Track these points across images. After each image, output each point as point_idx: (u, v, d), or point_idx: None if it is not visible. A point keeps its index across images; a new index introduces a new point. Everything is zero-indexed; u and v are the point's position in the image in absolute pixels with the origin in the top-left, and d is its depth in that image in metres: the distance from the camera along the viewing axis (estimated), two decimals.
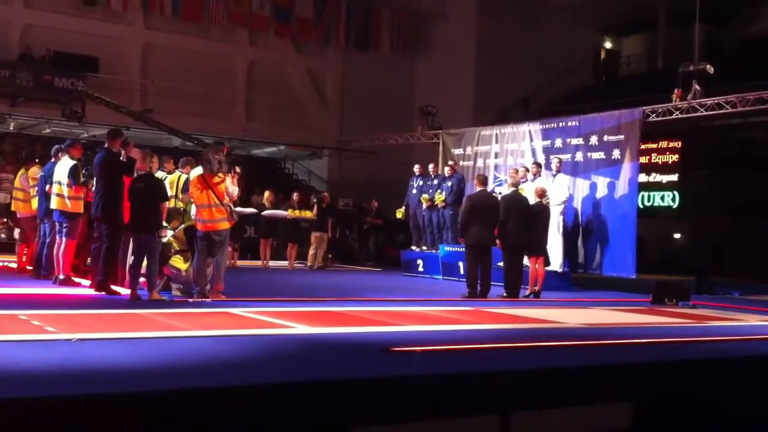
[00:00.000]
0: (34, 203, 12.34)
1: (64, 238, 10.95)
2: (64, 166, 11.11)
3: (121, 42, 24.88)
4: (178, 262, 10.29)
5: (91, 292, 10.11)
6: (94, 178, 10.67)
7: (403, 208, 17.73)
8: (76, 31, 23.70)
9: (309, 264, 18.01)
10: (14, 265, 13.62)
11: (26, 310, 7.73)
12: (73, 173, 10.94)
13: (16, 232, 14.29)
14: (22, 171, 13.25)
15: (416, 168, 17.76)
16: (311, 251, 18.03)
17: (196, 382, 4.91)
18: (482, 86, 26.94)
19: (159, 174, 10.87)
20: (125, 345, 6.19)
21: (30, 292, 10.05)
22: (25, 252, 13.38)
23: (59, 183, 11.00)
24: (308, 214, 17.86)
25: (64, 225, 10.97)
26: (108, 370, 5.12)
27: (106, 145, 10.47)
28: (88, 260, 11.33)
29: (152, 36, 25.44)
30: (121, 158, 10.33)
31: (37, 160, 13.53)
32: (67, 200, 10.93)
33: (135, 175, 10.35)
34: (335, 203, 20.80)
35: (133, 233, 9.91)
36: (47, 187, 11.46)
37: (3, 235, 18.92)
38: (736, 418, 6.44)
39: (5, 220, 18.30)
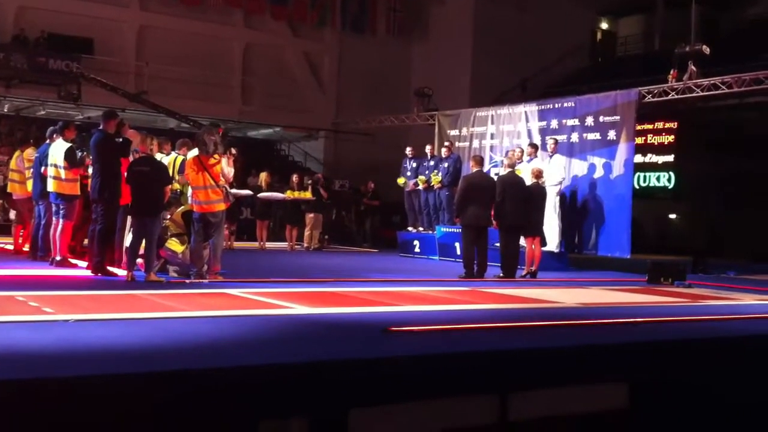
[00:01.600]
0: (30, 185, 12.33)
1: (60, 220, 10.95)
2: (58, 148, 11.09)
3: (116, 24, 24.74)
4: (174, 244, 10.29)
5: (88, 273, 10.11)
6: (91, 159, 10.66)
7: (404, 178, 17.54)
8: (71, 13, 23.55)
9: (305, 245, 18.03)
10: (11, 247, 13.61)
11: (23, 291, 7.74)
12: (69, 155, 10.92)
13: (12, 214, 14.27)
14: (17, 153, 13.22)
15: (408, 150, 17.76)
16: (306, 232, 18.06)
17: (195, 362, 4.92)
18: (479, 69, 26.86)
19: (157, 156, 10.85)
20: (123, 326, 6.20)
21: (27, 273, 10.05)
22: (21, 233, 13.38)
23: (55, 165, 10.99)
24: (308, 195, 17.88)
25: (61, 207, 10.97)
26: (106, 351, 5.12)
27: (101, 127, 10.44)
28: (85, 241, 11.34)
29: (148, 18, 25.29)
30: (117, 139, 10.31)
31: (31, 142, 13.47)
32: (63, 182, 10.92)
33: (131, 156, 10.33)
34: (331, 184, 20.79)
35: (134, 215, 9.89)
36: (42, 168, 11.45)
37: None
38: (731, 397, 6.48)
39: (1, 201, 18.25)
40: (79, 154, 11.10)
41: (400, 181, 17.60)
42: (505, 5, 26.78)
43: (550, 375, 5.72)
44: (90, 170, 11.24)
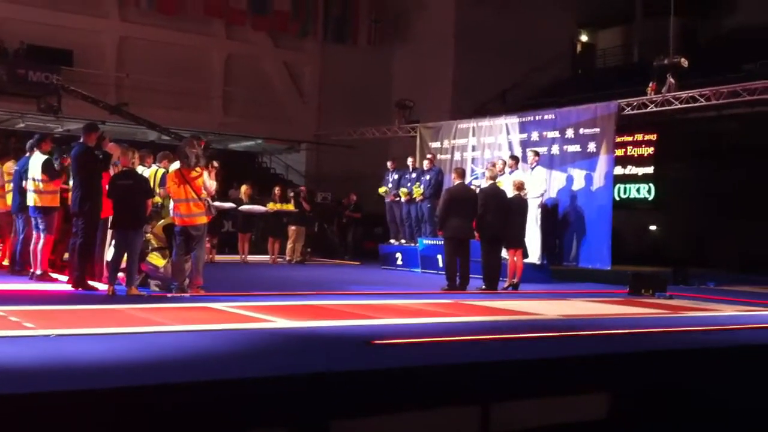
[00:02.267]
0: (10, 198, 12.24)
1: (41, 234, 10.89)
2: (36, 161, 11.04)
3: (96, 35, 24.61)
4: (155, 258, 10.24)
5: (69, 287, 10.04)
6: (71, 172, 10.61)
7: (385, 187, 17.51)
8: (50, 24, 23.39)
9: (288, 258, 18.00)
10: None
11: (4, 306, 7.68)
12: (46, 167, 10.88)
13: None
14: None
15: (389, 163, 17.76)
16: (289, 245, 18.03)
17: (176, 376, 4.92)
18: (460, 79, 26.97)
19: (138, 169, 10.81)
20: (104, 340, 6.17)
21: (7, 288, 9.96)
22: (0, 248, 13.25)
23: (33, 179, 10.95)
24: (290, 207, 17.88)
25: (40, 220, 10.91)
26: (87, 365, 5.11)
27: (81, 140, 10.40)
28: (66, 255, 11.26)
29: (128, 29, 25.18)
30: (97, 153, 10.28)
31: (11, 155, 13.37)
32: (42, 195, 10.87)
33: (112, 169, 10.30)
34: (313, 196, 20.78)
35: (117, 229, 9.83)
36: (23, 182, 11.39)
37: None
38: (711, 407, 6.53)
39: None
40: (57, 162, 11.06)
41: (382, 190, 17.59)
42: (486, 17, 26.91)
43: (532, 386, 5.75)
44: (71, 183, 11.21)
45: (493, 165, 14.11)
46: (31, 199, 10.97)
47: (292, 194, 18.32)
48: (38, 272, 10.82)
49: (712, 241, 20.26)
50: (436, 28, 27.94)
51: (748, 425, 6.67)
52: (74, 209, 10.17)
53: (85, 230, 10.06)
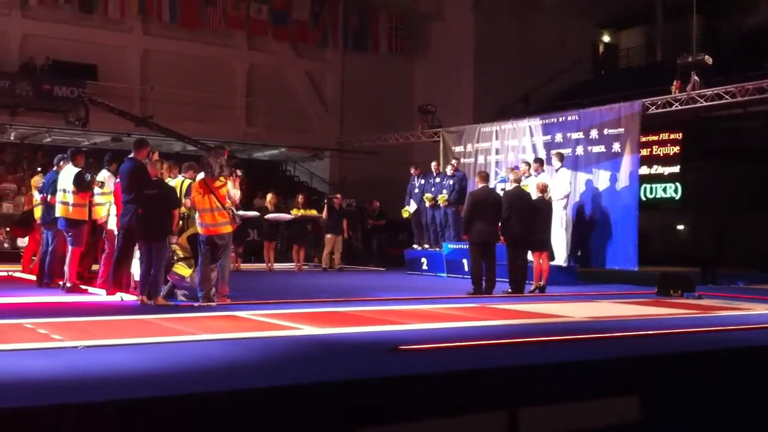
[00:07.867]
0: (38, 212, 12.39)
1: (69, 246, 10.99)
2: (68, 174, 11.18)
3: (119, 49, 24.89)
4: (181, 269, 10.28)
5: (97, 299, 10.12)
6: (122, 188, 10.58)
7: (408, 207, 17.61)
8: (75, 40, 23.70)
9: (324, 266, 18.05)
10: (18, 274, 13.64)
11: (32, 318, 7.75)
12: (77, 180, 10.99)
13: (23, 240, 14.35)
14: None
15: (413, 169, 17.77)
16: (325, 252, 18.10)
17: (204, 386, 4.92)
18: (481, 84, 26.94)
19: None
20: (132, 351, 6.20)
21: (35, 300, 10.06)
22: (33, 258, 13.42)
23: (64, 191, 11.07)
24: (313, 212, 17.92)
25: (69, 233, 11.01)
26: (116, 376, 5.13)
27: (132, 155, 10.45)
28: (93, 267, 11.36)
29: (151, 42, 25.44)
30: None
31: (39, 170, 13.56)
32: (70, 207, 10.99)
33: None
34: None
35: (142, 239, 9.87)
36: (50, 196, 11.52)
37: (6, 245, 18.95)
38: (745, 408, 6.43)
39: (7, 229, 18.32)
40: (88, 177, 11.17)
41: (405, 213, 17.63)
42: (506, 20, 26.87)
43: (561, 390, 5.69)
44: (96, 197, 11.31)
45: (514, 169, 14.02)
46: (59, 211, 11.09)
47: (325, 202, 18.37)
48: (68, 285, 10.93)
49: (740, 239, 20.02)
50: (456, 35, 27.94)
51: None
52: (126, 224, 10.16)
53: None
